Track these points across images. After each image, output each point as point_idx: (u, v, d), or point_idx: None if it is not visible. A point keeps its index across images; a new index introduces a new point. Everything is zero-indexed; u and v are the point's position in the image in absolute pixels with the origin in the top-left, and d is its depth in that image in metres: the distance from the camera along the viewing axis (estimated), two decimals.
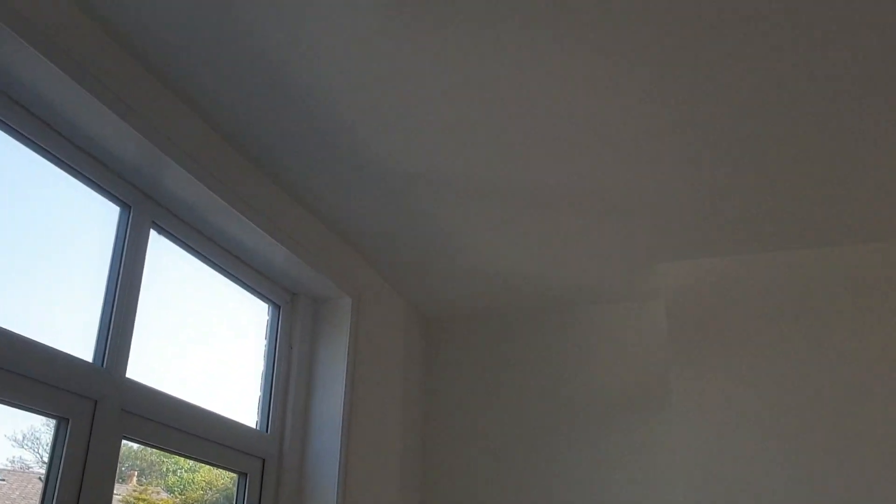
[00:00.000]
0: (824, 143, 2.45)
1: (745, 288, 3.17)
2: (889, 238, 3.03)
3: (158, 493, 2.44)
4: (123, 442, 2.15)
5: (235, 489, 2.68)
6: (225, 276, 2.77)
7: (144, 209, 2.35)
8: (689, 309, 3.20)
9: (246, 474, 2.69)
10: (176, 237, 2.52)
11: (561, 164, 2.58)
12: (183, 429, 2.38)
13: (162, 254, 2.46)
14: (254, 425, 2.81)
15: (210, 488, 2.68)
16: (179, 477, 2.59)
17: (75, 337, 2.08)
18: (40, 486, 1.91)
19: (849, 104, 2.26)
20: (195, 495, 2.61)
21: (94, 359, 2.12)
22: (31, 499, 1.95)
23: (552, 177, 2.65)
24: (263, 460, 2.77)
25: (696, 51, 2.05)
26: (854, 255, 3.09)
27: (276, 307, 3.04)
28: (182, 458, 2.53)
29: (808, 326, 3.05)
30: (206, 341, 2.69)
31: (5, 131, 1.93)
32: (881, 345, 2.94)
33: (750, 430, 2.97)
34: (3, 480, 1.93)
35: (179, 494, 2.55)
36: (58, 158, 2.07)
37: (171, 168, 2.23)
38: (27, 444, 1.96)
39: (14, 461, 1.95)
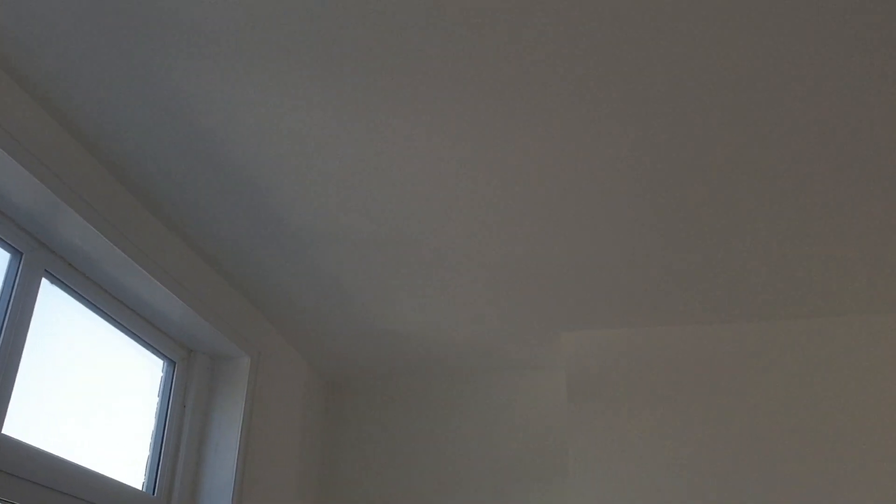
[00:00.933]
0: (720, 225, 2.56)
1: (643, 359, 3.25)
2: (772, 317, 3.17)
3: None
4: None
5: None
6: (119, 329, 2.68)
7: (37, 257, 2.26)
8: (589, 378, 3.26)
9: None
10: (69, 287, 2.43)
11: (467, 227, 2.61)
12: (61, 489, 2.25)
13: (53, 304, 2.37)
14: (140, 487, 2.69)
15: None
16: None
17: None
18: None
19: (742, 186, 2.37)
20: None
21: None
22: None
23: (458, 240, 2.68)
24: None
25: (600, 118, 2.13)
26: (741, 331, 3.21)
27: (170, 363, 2.94)
28: None
29: (700, 397, 3.14)
30: (95, 397, 2.58)
31: None
32: (767, 416, 3.05)
33: (644, 500, 3.01)
34: None
35: None
36: None
37: (68, 215, 2.16)
38: None
39: None
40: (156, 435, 2.81)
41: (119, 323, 2.66)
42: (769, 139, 2.18)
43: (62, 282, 2.39)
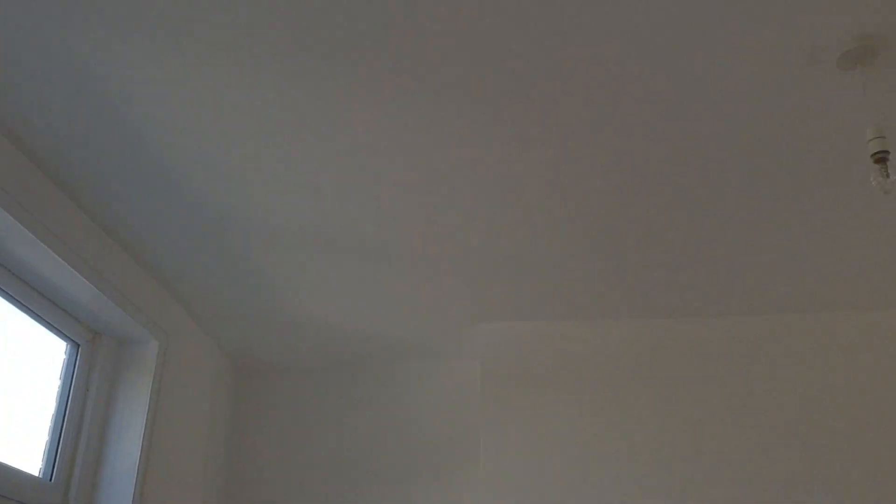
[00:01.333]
0: (634, 223, 2.61)
1: (557, 352, 3.30)
2: (685, 314, 3.26)
3: None
4: None
5: None
6: (20, 308, 2.57)
7: None
8: (503, 369, 3.29)
9: None
10: None
11: (387, 217, 2.60)
12: None
13: None
14: (37, 473, 2.59)
15: None
16: None
17: None
18: None
19: (675, 179, 2.43)
20: None
21: None
22: None
23: (377, 230, 2.67)
24: None
25: (521, 111, 2.15)
26: (653, 328, 3.29)
27: (74, 346, 2.84)
28: None
29: (610, 390, 3.21)
30: None
31: None
32: (675, 412, 3.13)
33: (552, 490, 3.06)
34: None
35: None
36: None
37: None
38: None
39: None
40: (56, 420, 2.72)
41: (20, 302, 2.55)
42: (704, 135, 2.23)
43: None
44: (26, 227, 2.26)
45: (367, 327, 3.41)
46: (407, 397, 3.69)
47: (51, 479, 2.63)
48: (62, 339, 2.80)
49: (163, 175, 2.38)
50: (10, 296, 2.51)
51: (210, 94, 2.04)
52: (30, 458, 2.59)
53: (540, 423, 3.19)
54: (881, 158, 1.91)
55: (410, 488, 3.50)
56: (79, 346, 2.85)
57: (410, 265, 2.89)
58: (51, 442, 2.68)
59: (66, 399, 2.76)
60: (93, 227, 2.62)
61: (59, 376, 2.78)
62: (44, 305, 2.64)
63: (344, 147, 2.25)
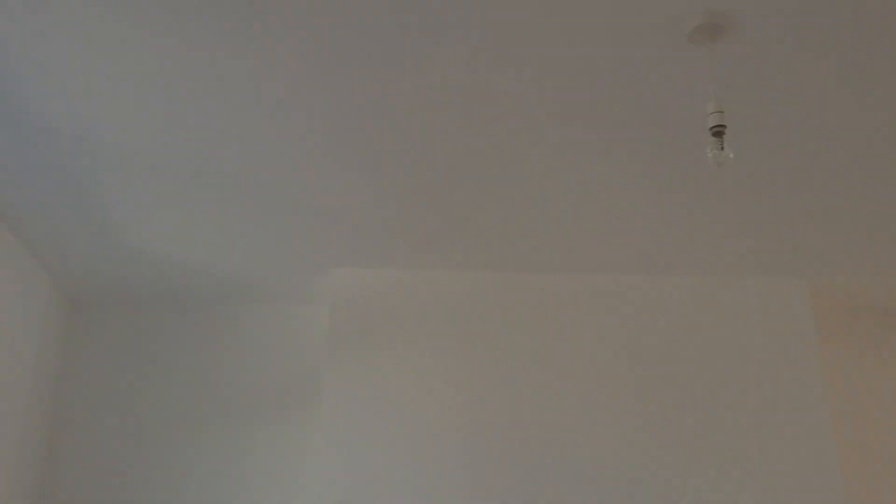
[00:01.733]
0: (485, 177, 2.66)
1: (408, 299, 3.34)
2: (537, 270, 3.37)
3: None
4: None
5: None
6: None
7: None
8: (353, 314, 3.30)
9: None
10: None
11: (242, 151, 2.53)
12: None
13: None
14: None
15: None
16: None
17: None
18: None
19: (494, 140, 2.48)
20: None
21: None
22: None
23: (231, 163, 2.59)
24: None
25: (385, 65, 2.13)
26: (490, 279, 3.39)
27: None
28: None
29: (450, 338, 3.29)
30: None
31: None
32: (520, 365, 3.25)
33: (393, 431, 3.12)
34: None
35: None
36: None
37: None
38: None
39: None
40: None
41: None
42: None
43: None
44: None
45: (214, 266, 3.31)
46: (252, 339, 3.64)
47: None
48: None
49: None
50: None
51: (66, 9, 1.91)
52: None
53: (382, 367, 3.23)
54: (718, 132, 2.03)
55: (253, 429, 3.47)
56: None
57: (267, 202, 2.83)
58: None
59: None
60: None
61: None
62: None
63: (201, 79, 2.16)
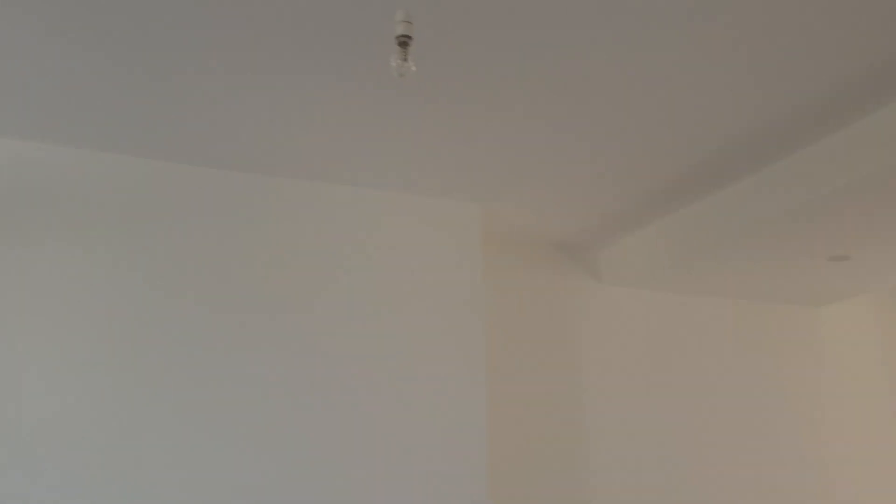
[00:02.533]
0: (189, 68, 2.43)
1: (56, 178, 3.09)
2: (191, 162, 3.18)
3: None
4: None
5: None
6: None
7: None
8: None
9: None
10: None
11: None
12: None
13: None
14: None
15: None
16: None
17: None
18: None
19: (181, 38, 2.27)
20: None
21: None
22: None
23: None
24: None
25: None
26: (155, 167, 3.18)
27: None
28: None
29: (108, 224, 3.05)
30: None
31: None
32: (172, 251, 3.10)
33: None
34: None
35: None
36: None
37: None
38: None
39: None
40: None
41: None
42: None
43: None
44: None
45: None
46: None
47: None
48: None
49: None
50: None
51: None
52: None
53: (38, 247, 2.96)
54: (404, 42, 1.97)
55: None
56: None
57: None
58: None
59: None
60: None
61: None
62: None
63: None
